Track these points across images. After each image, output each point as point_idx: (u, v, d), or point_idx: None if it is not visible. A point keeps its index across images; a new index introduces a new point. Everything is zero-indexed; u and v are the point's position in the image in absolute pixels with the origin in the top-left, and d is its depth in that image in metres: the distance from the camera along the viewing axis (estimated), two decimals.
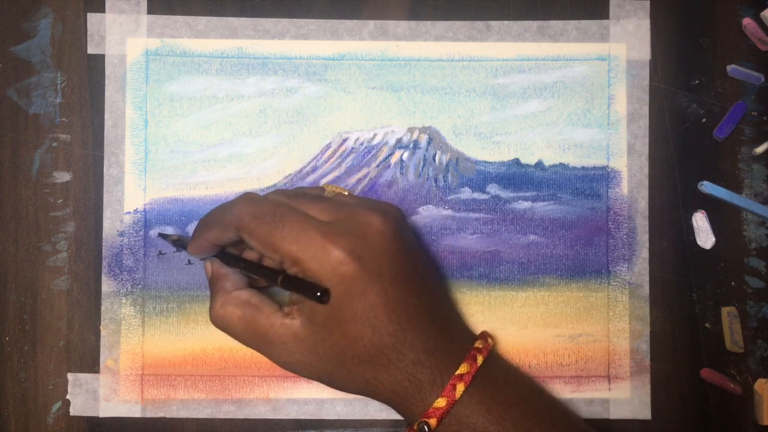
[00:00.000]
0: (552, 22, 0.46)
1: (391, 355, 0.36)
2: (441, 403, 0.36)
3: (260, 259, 0.41)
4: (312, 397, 0.45)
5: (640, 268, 0.45)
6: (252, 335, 0.38)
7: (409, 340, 0.36)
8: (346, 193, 0.41)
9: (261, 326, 0.38)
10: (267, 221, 0.37)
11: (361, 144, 0.46)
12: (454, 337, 0.38)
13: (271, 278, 0.38)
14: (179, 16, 0.45)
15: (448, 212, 0.46)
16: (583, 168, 0.46)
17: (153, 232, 0.45)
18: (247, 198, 0.39)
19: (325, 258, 0.36)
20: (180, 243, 0.43)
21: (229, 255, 0.40)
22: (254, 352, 0.45)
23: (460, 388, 0.36)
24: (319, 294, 0.35)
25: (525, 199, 0.46)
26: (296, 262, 0.36)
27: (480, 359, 0.37)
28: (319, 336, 0.37)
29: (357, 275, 0.36)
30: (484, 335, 0.39)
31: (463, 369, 0.37)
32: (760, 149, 0.45)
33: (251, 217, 0.37)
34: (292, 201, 0.38)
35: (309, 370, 0.38)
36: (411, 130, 0.46)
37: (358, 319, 0.36)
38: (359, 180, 0.46)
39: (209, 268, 0.41)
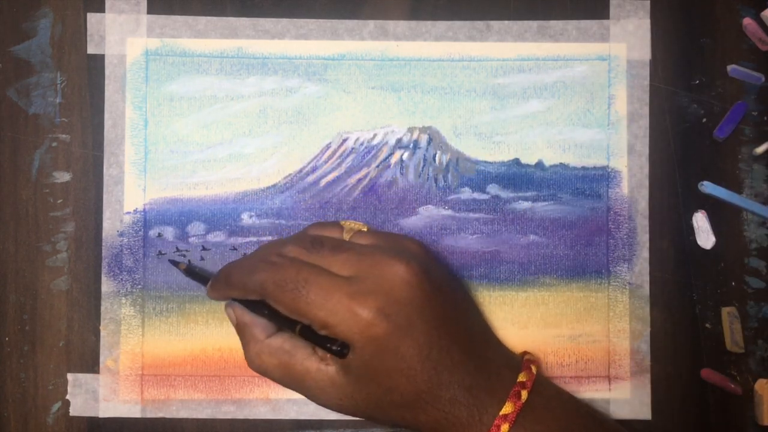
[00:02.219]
0: (552, 22, 0.46)
1: (427, 398, 0.37)
2: None
3: None
4: None
5: (640, 268, 0.45)
6: (290, 381, 0.39)
7: (445, 381, 0.37)
8: (365, 230, 0.41)
9: (297, 373, 0.38)
10: (290, 288, 0.37)
11: (361, 144, 0.46)
12: (492, 368, 0.38)
13: (290, 328, 0.38)
14: (179, 16, 0.45)
15: (448, 212, 0.46)
16: (583, 168, 0.46)
17: (153, 232, 0.45)
18: (267, 262, 0.38)
19: (353, 321, 0.36)
20: (191, 273, 0.43)
21: (252, 301, 0.40)
22: None
23: (505, 428, 0.36)
24: (337, 348, 0.36)
25: (525, 199, 0.46)
26: (325, 326, 0.37)
27: (524, 395, 0.37)
28: (355, 386, 0.37)
29: (387, 333, 0.36)
30: (527, 363, 0.39)
31: (507, 409, 0.36)
32: (760, 149, 0.45)
33: (274, 285, 0.37)
34: (312, 256, 0.38)
35: (348, 411, 0.38)
36: (411, 130, 0.46)
37: (392, 372, 0.36)
38: (359, 180, 0.46)
39: (233, 315, 0.41)
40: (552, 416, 0.38)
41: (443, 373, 0.37)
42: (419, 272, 0.37)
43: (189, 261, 0.45)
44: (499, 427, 0.36)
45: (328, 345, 0.37)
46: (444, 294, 0.38)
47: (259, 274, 0.38)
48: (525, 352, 0.42)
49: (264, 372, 0.39)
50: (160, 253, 0.45)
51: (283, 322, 0.39)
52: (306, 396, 0.39)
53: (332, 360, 0.38)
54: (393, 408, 0.37)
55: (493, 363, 0.38)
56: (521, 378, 0.38)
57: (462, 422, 0.36)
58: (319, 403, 0.39)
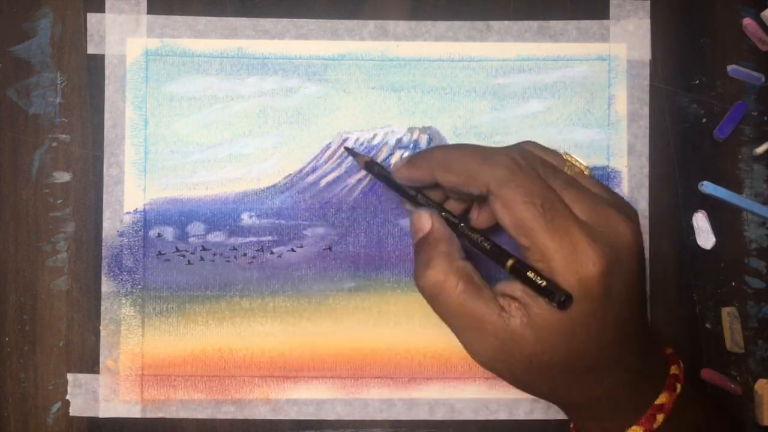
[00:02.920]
0: (552, 22, 0.46)
1: (599, 371, 0.35)
2: (637, 431, 0.35)
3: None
4: (312, 398, 0.45)
5: None
6: (465, 314, 0.35)
7: (619, 358, 0.35)
8: (587, 173, 0.37)
9: (479, 310, 0.34)
10: (536, 203, 0.33)
11: (361, 144, 0.46)
12: (649, 356, 0.37)
13: (500, 259, 0.34)
14: (179, 16, 0.45)
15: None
16: None
17: (153, 233, 0.45)
18: (514, 161, 0.34)
19: (580, 268, 0.33)
20: (373, 169, 0.41)
21: (459, 221, 0.37)
22: (254, 351, 0.45)
23: (660, 418, 0.35)
24: (562, 299, 0.33)
25: None
26: (545, 259, 0.33)
27: (678, 388, 0.36)
28: (540, 346, 0.34)
29: (604, 296, 0.33)
30: (674, 356, 0.38)
31: (663, 399, 0.35)
32: (760, 149, 0.45)
33: (520, 190, 0.34)
34: (556, 181, 0.35)
35: (507, 371, 0.35)
36: (411, 130, 0.46)
37: (589, 337, 0.34)
38: (359, 180, 0.46)
39: (428, 222, 0.37)
40: (702, 410, 0.36)
41: (621, 350, 0.34)
42: (640, 244, 0.35)
43: (372, 159, 0.43)
44: (654, 416, 0.35)
45: (552, 292, 0.32)
46: (644, 270, 0.36)
47: (502, 170, 0.34)
48: (672, 355, 0.40)
49: (438, 293, 0.35)
50: (160, 253, 0.45)
51: (492, 250, 0.35)
52: (465, 340, 0.35)
53: (517, 311, 0.34)
54: (560, 374, 0.34)
55: (650, 350, 0.37)
56: (674, 371, 0.37)
57: (619, 406, 0.35)
58: (477, 354, 0.35)
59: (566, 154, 0.38)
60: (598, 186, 0.37)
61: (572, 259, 0.33)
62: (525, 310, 0.34)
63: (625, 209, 0.36)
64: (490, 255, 0.36)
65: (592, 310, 0.33)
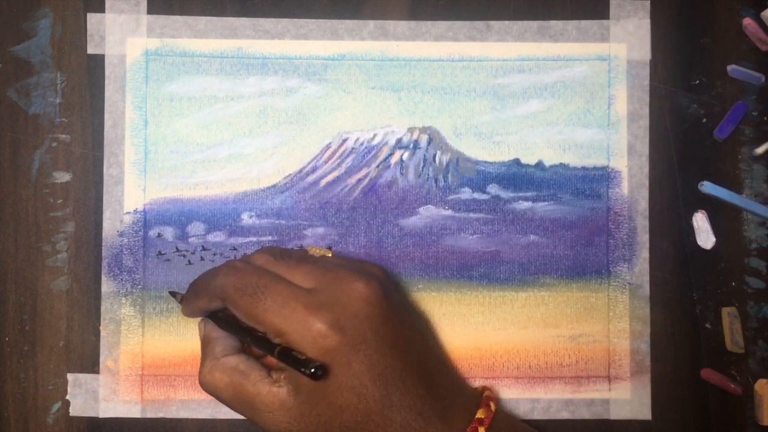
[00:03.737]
0: (552, 22, 0.46)
1: (378, 420, 0.36)
2: None
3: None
4: None
5: (640, 268, 0.45)
6: (239, 402, 0.38)
7: (396, 403, 0.36)
8: (330, 255, 0.41)
9: (248, 394, 0.38)
10: (249, 293, 0.37)
11: (361, 144, 0.46)
12: (447, 398, 0.38)
13: (267, 348, 0.37)
14: (179, 16, 0.45)
15: (449, 212, 0.46)
16: (583, 168, 0.46)
17: (153, 233, 0.45)
18: (231, 267, 0.39)
19: (307, 331, 0.36)
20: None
21: (224, 319, 0.40)
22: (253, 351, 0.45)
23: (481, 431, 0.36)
24: (313, 371, 0.35)
25: (525, 199, 0.46)
26: (279, 334, 0.36)
27: (493, 405, 0.38)
28: (306, 406, 0.37)
29: (340, 346, 0.36)
30: (486, 399, 0.39)
31: (481, 414, 0.37)
32: (760, 149, 0.45)
33: (234, 288, 0.38)
34: (278, 265, 0.39)
35: None
36: (411, 130, 0.46)
37: (343, 388, 0.36)
38: (359, 180, 0.46)
39: (201, 329, 0.41)
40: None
41: (395, 395, 0.36)
42: (378, 291, 0.37)
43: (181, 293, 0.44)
44: (476, 429, 0.36)
45: (305, 367, 0.35)
46: (400, 316, 0.38)
47: (221, 278, 0.38)
48: (485, 388, 0.41)
49: (213, 390, 0.39)
50: (160, 253, 0.45)
51: (257, 342, 0.38)
52: (253, 420, 0.38)
53: (285, 381, 0.37)
54: (347, 429, 0.36)
55: (448, 392, 0.38)
56: (479, 414, 0.38)
57: None
58: (266, 429, 0.38)
59: (309, 247, 0.43)
60: (339, 260, 0.41)
61: (297, 327, 0.36)
62: (290, 378, 0.37)
63: (365, 267, 0.39)
64: (262, 348, 0.38)
65: (334, 361, 0.36)
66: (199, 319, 0.42)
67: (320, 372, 0.35)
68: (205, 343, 0.40)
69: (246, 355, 0.39)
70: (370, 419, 0.36)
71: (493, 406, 0.39)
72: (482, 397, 0.40)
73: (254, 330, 0.38)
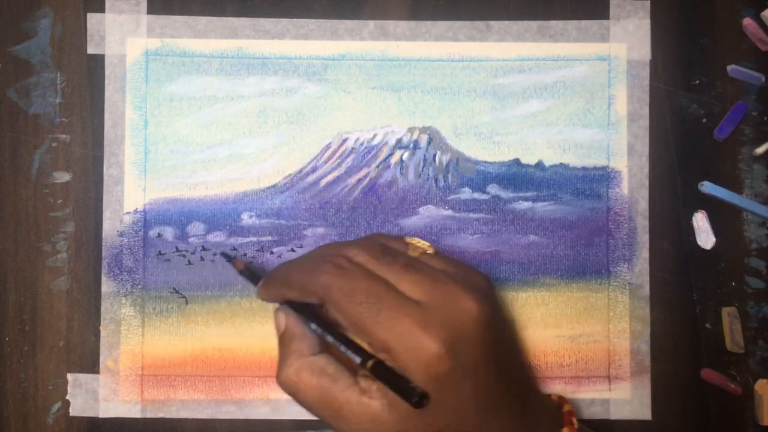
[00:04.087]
0: (552, 22, 0.46)
1: None
2: None
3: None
4: None
5: (640, 268, 0.45)
6: (325, 407, 0.36)
7: (491, 424, 0.35)
8: (431, 251, 0.38)
9: (336, 400, 0.35)
10: (360, 301, 0.35)
11: (361, 144, 0.46)
12: (534, 415, 0.37)
13: (360, 358, 0.35)
14: (179, 16, 0.45)
15: (449, 212, 0.46)
16: (583, 168, 0.46)
17: (153, 233, 0.45)
18: (335, 265, 0.36)
19: (421, 353, 0.34)
20: (248, 274, 0.41)
21: (313, 315, 0.37)
22: (253, 351, 0.45)
23: None
24: (416, 399, 0.33)
25: (525, 199, 0.46)
26: (386, 350, 0.34)
27: (576, 423, 0.37)
28: (402, 425, 0.34)
29: (452, 372, 0.34)
30: (568, 416, 0.39)
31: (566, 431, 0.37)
32: (760, 149, 0.45)
33: (342, 293, 0.35)
34: (382, 267, 0.36)
35: None
36: (411, 130, 0.46)
37: (447, 411, 0.34)
38: (359, 180, 0.46)
39: (283, 322, 0.38)
40: None
41: (491, 418, 0.35)
42: (489, 312, 0.35)
43: (245, 255, 0.43)
44: None
45: (408, 396, 0.33)
46: (506, 337, 0.37)
47: (325, 276, 0.35)
48: (561, 399, 0.41)
49: (296, 391, 0.36)
50: (159, 253, 0.45)
51: (351, 349, 0.35)
52: (337, 428, 0.36)
53: (378, 393, 0.35)
54: None
55: (535, 409, 0.38)
56: (567, 408, 0.38)
57: None
58: None
59: (409, 238, 0.39)
60: (443, 262, 0.38)
61: (410, 346, 0.34)
62: (385, 392, 0.35)
63: (472, 279, 0.37)
64: (353, 356, 0.36)
65: (443, 388, 0.34)
66: (273, 305, 0.40)
67: (424, 402, 0.33)
68: (288, 337, 0.38)
69: (332, 357, 0.37)
70: None
71: (575, 423, 0.38)
72: (563, 413, 0.39)
73: (351, 340, 0.36)
